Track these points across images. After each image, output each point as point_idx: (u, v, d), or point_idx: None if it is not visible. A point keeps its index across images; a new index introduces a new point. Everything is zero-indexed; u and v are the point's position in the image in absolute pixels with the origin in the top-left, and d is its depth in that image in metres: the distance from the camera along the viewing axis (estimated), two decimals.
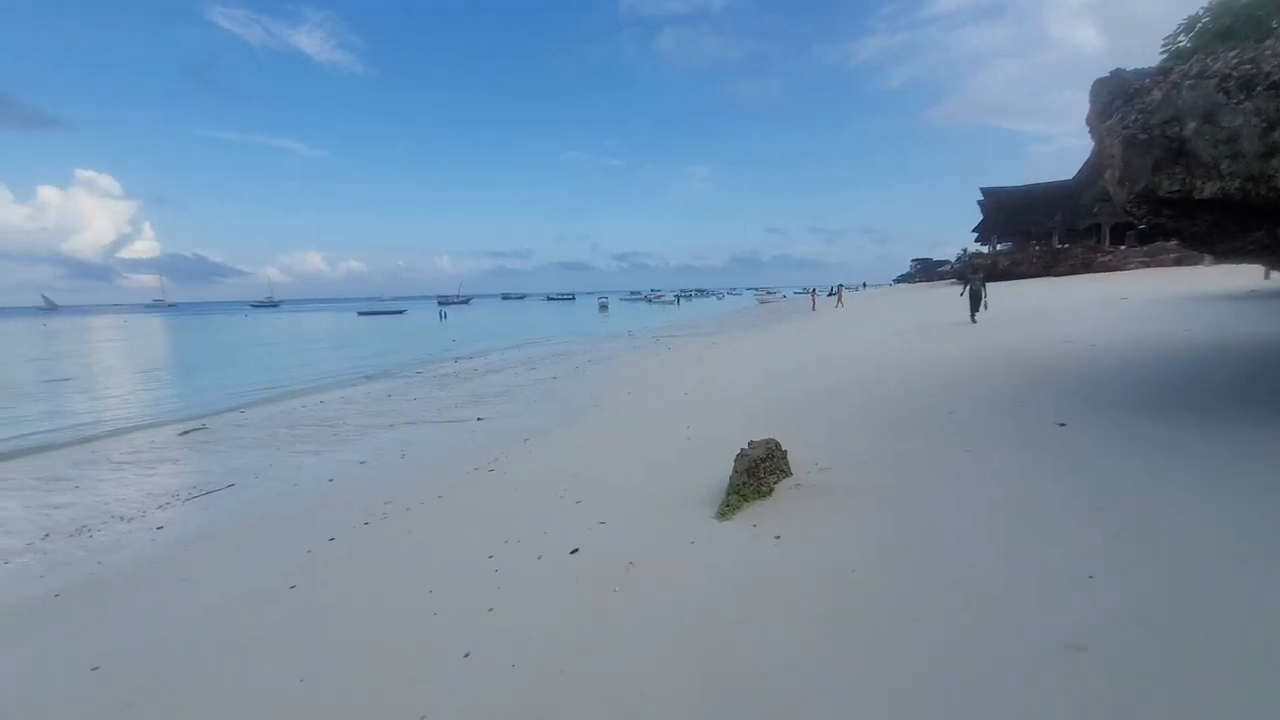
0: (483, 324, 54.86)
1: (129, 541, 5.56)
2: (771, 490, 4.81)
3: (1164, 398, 6.75)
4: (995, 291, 21.06)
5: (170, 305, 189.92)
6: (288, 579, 4.20)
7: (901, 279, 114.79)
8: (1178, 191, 5.38)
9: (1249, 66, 4.90)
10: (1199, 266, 30.08)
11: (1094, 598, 2.96)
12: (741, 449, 5.02)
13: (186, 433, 11.69)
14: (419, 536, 4.80)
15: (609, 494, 5.28)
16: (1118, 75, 6.32)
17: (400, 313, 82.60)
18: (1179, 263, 34.47)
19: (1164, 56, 8.05)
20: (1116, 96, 6.09)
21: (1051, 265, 42.99)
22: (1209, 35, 7.65)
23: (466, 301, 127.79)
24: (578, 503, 5.12)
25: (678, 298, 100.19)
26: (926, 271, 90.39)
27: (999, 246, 57.62)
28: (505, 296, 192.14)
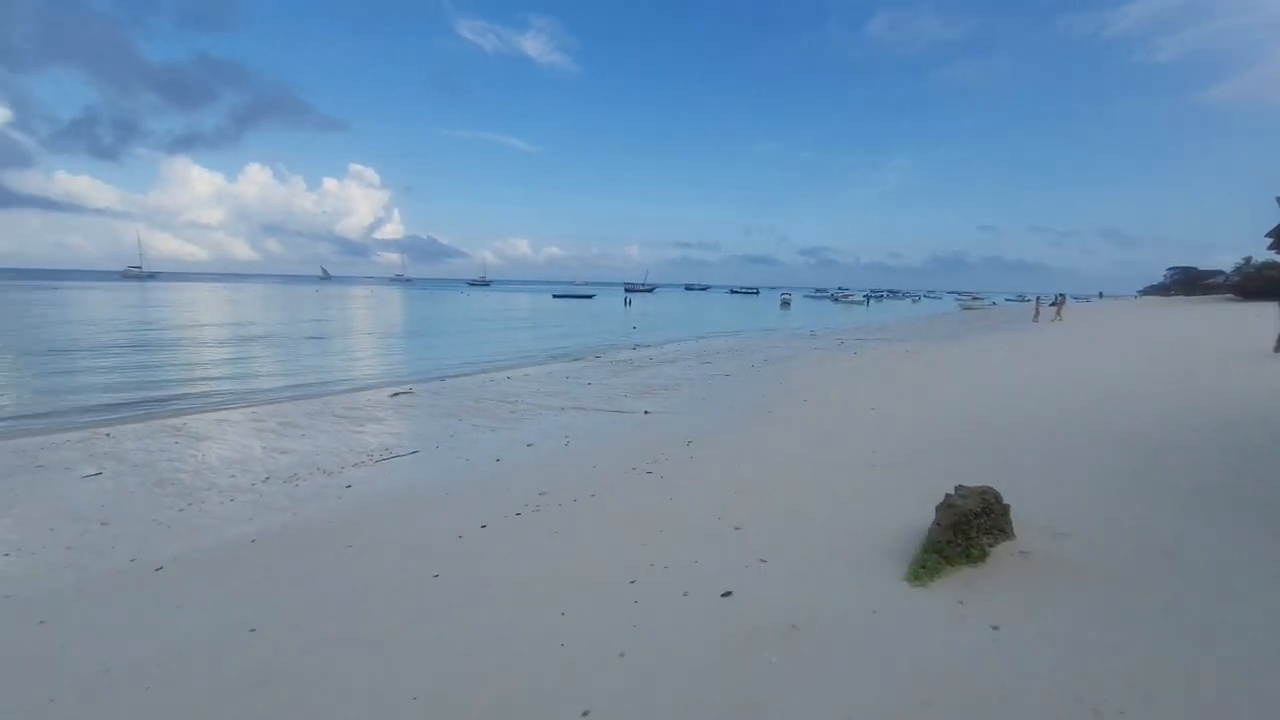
0: (664, 313, 55.96)
1: (323, 495, 6.09)
2: (986, 554, 3.74)
3: None
4: None
5: (407, 280, 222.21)
6: (434, 565, 4.14)
7: (1151, 290, 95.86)
8: None
9: None
10: None
11: None
12: (947, 494, 3.99)
13: (396, 395, 13.09)
14: (564, 540, 4.51)
15: (772, 522, 4.56)
16: None
17: (590, 297, 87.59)
18: None
19: None
20: None
21: None
22: None
23: (651, 290, 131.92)
24: (736, 529, 4.48)
25: (867, 298, 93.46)
26: (1188, 283, 74.35)
27: None
28: (688, 287, 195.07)
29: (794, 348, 22.34)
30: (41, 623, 3.66)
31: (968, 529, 3.76)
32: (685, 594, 3.53)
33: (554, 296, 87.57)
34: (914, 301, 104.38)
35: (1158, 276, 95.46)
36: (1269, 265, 44.97)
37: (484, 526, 4.85)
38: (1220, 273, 69.42)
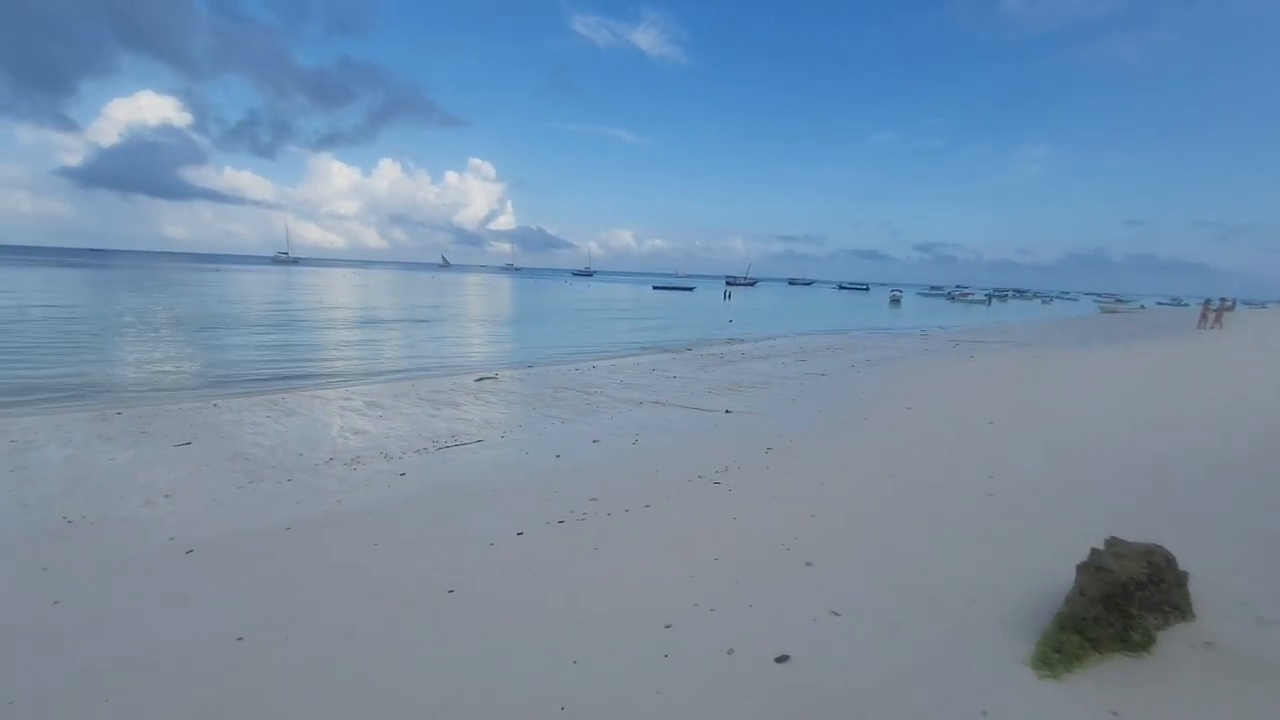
0: (764, 307, 54.22)
1: (374, 482, 5.89)
2: (1152, 641, 2.73)
3: None
4: None
5: (517, 269, 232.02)
6: (452, 578, 3.69)
7: None
8: None
9: None
10: None
11: None
12: (1094, 550, 2.99)
13: (481, 379, 13.15)
14: (602, 560, 3.92)
15: (854, 559, 3.72)
16: None
17: (690, 289, 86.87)
18: None
19: None
20: None
21: None
22: None
23: (753, 284, 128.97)
24: (808, 565, 3.68)
25: (989, 297, 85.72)
26: None
27: None
28: (791, 281, 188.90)
29: (901, 348, 20.50)
30: (56, 603, 3.57)
31: (1126, 603, 2.76)
32: (730, 651, 2.81)
33: (654, 288, 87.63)
34: (1044, 302, 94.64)
35: None
36: None
37: (520, 534, 4.36)
38: None
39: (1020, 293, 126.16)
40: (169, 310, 27.98)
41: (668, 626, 3.05)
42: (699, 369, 14.97)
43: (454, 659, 2.86)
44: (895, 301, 66.16)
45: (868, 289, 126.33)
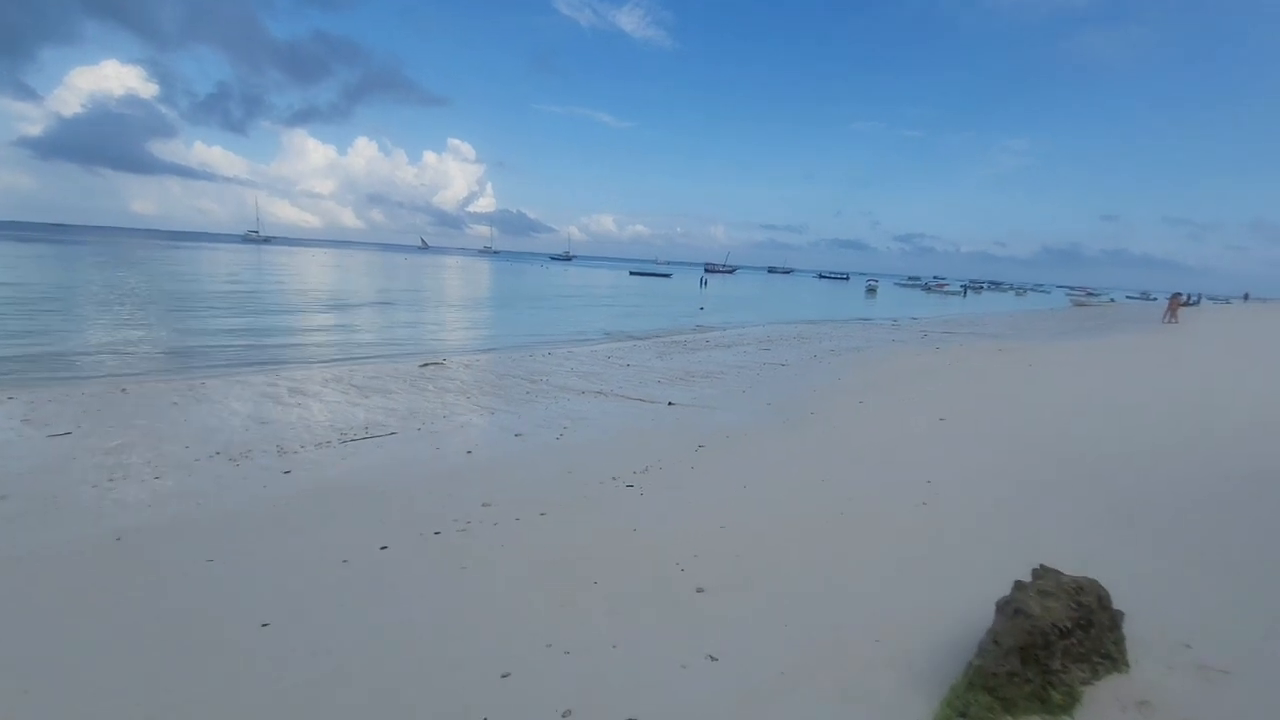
0: (740, 295, 53.79)
1: (251, 482, 5.24)
2: (1076, 701, 2.26)
3: None
4: None
5: (495, 253, 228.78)
6: (274, 607, 3.10)
7: None
8: None
9: None
10: None
11: None
12: (1017, 586, 2.52)
13: (426, 365, 12.47)
14: (466, 583, 3.36)
15: (750, 586, 3.22)
16: None
17: (667, 276, 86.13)
18: None
19: None
20: None
21: None
22: None
23: (731, 271, 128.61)
24: (698, 591, 3.17)
25: (965, 289, 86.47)
26: None
27: None
28: (771, 270, 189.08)
29: (869, 338, 20.19)
30: None
31: (1046, 655, 2.27)
32: (566, 714, 2.28)
33: (631, 273, 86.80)
34: (1018, 294, 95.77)
35: None
36: None
37: (384, 548, 3.78)
38: None
39: (995, 285, 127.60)
40: (116, 287, 26.66)
41: (505, 676, 2.51)
42: (656, 357, 14.44)
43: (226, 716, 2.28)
44: (871, 291, 66.29)
45: (848, 278, 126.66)
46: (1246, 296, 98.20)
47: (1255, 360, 14.01)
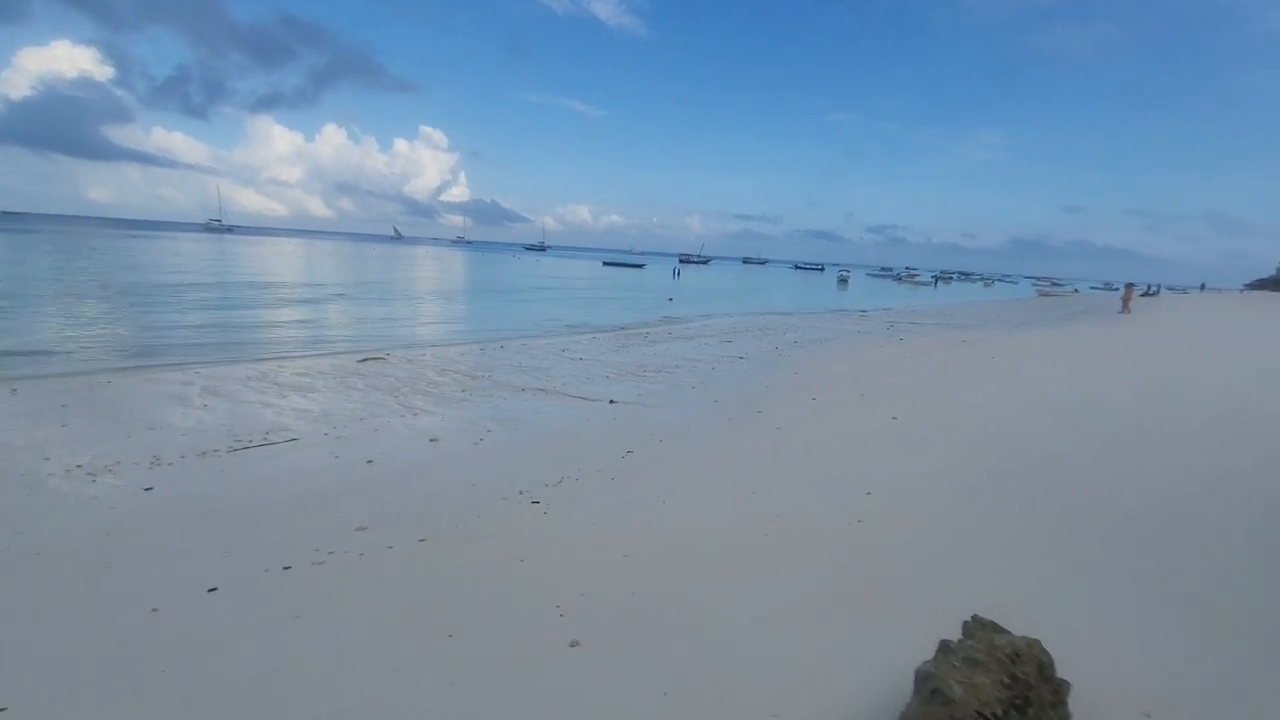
0: (713, 286, 53.43)
1: (101, 501, 4.52)
2: None
3: None
4: None
5: (468, 243, 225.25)
6: (24, 680, 2.46)
7: (1259, 284, 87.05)
8: None
9: None
10: None
11: None
12: (941, 649, 2.01)
13: (365, 360, 11.72)
14: (293, 639, 2.74)
15: (632, 639, 2.67)
16: None
17: (640, 266, 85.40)
18: None
19: None
20: None
21: None
22: None
23: (706, 262, 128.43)
24: (572, 646, 2.61)
25: (935, 279, 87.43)
26: None
27: None
28: (746, 260, 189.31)
29: (835, 329, 19.86)
30: None
31: None
32: None
33: (604, 264, 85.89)
34: (986, 285, 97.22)
35: (1269, 268, 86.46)
36: None
37: (212, 590, 3.14)
38: None
39: (965, 275, 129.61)
40: (53, 278, 25.16)
41: None
42: (613, 350, 13.86)
43: None
44: (843, 282, 66.49)
45: (823, 269, 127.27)
46: (1203, 287, 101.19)
47: (1210, 351, 13.94)
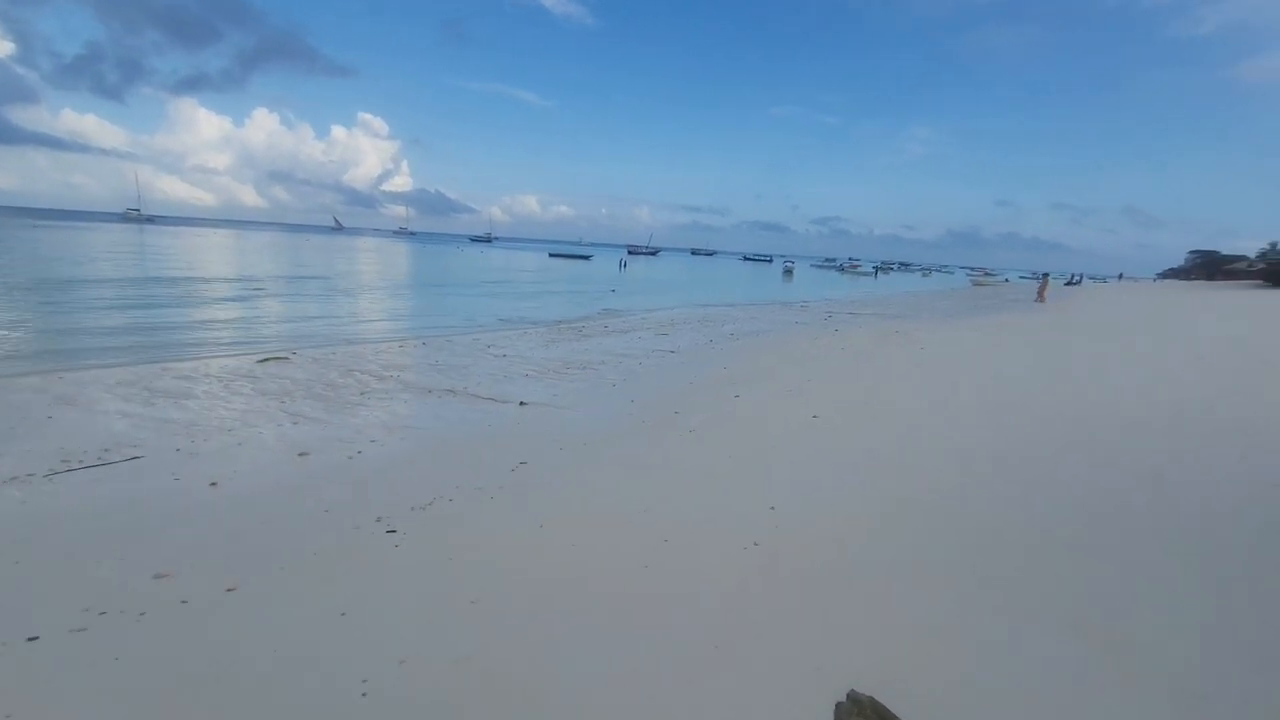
0: (659, 278, 53.08)
1: None
2: None
3: None
4: None
5: (411, 234, 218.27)
6: None
7: (1170, 273, 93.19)
8: None
9: None
10: None
11: None
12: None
13: (265, 361, 10.72)
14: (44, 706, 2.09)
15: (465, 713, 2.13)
16: None
17: (587, 258, 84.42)
18: None
19: None
20: None
21: None
22: None
23: (654, 253, 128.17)
24: None
25: (876, 270, 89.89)
26: (1209, 267, 72.13)
27: None
28: (694, 252, 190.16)
29: (774, 321, 19.73)
30: None
31: None
32: None
33: (550, 255, 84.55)
34: (924, 275, 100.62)
35: (1179, 259, 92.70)
36: None
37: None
38: (1244, 258, 66.31)
39: (905, 266, 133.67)
40: None
41: None
42: (542, 345, 13.22)
43: None
44: (788, 273, 67.37)
45: (771, 260, 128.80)
46: (1120, 276, 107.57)
47: (1121, 341, 14.35)
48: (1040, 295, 30.66)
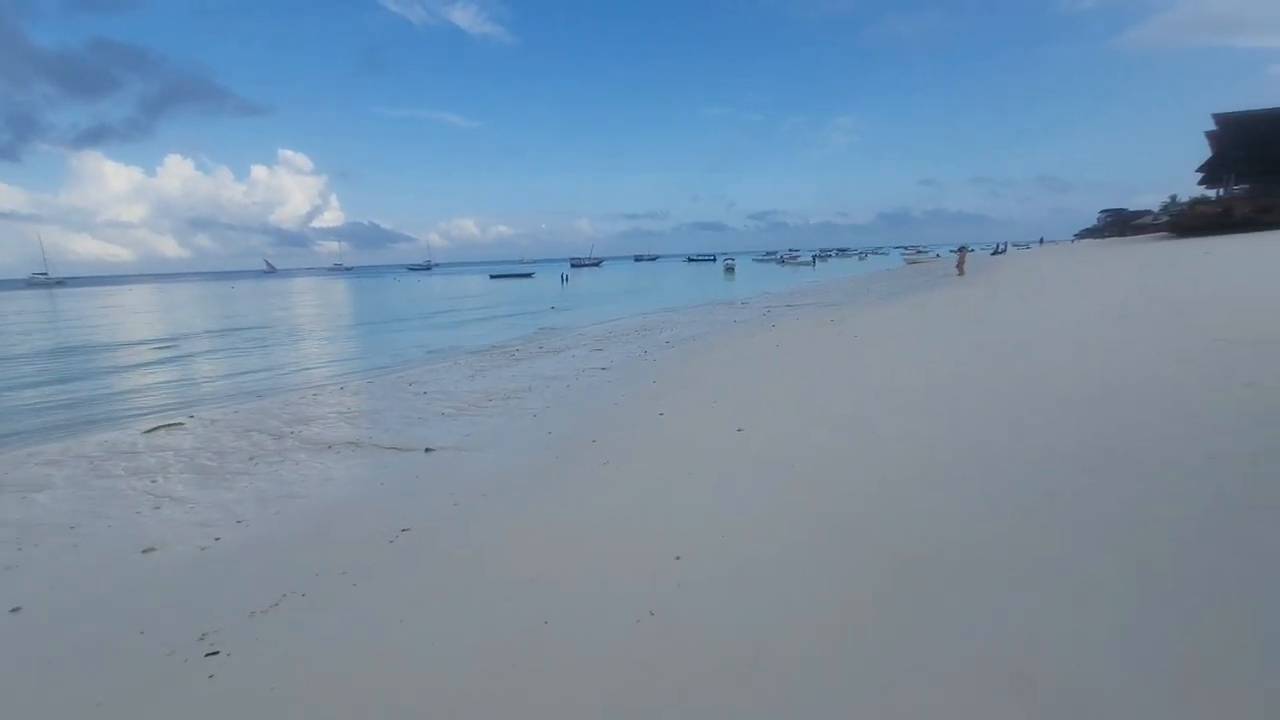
0: (603, 288, 52.59)
1: None
2: None
3: None
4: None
5: (347, 269, 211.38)
6: None
7: (1086, 233, 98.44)
8: None
9: None
10: None
11: None
12: None
13: (153, 430, 9.64)
14: None
15: None
16: None
17: (529, 275, 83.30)
18: None
19: None
20: None
21: None
22: None
23: (598, 264, 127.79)
24: None
25: (814, 258, 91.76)
26: (1120, 224, 76.59)
27: (1235, 189, 43.77)
28: (638, 258, 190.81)
29: (712, 323, 19.43)
30: None
31: None
32: None
33: (491, 277, 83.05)
34: (860, 258, 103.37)
35: (1092, 219, 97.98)
36: (1201, 201, 44.15)
37: None
38: (1149, 212, 70.40)
39: (842, 251, 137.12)
40: None
41: None
42: (468, 377, 12.46)
43: None
44: (729, 270, 67.80)
45: (714, 259, 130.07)
46: (1041, 240, 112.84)
47: (1041, 312, 14.55)
48: (959, 268, 31.37)
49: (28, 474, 7.64)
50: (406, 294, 58.23)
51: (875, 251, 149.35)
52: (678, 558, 3.41)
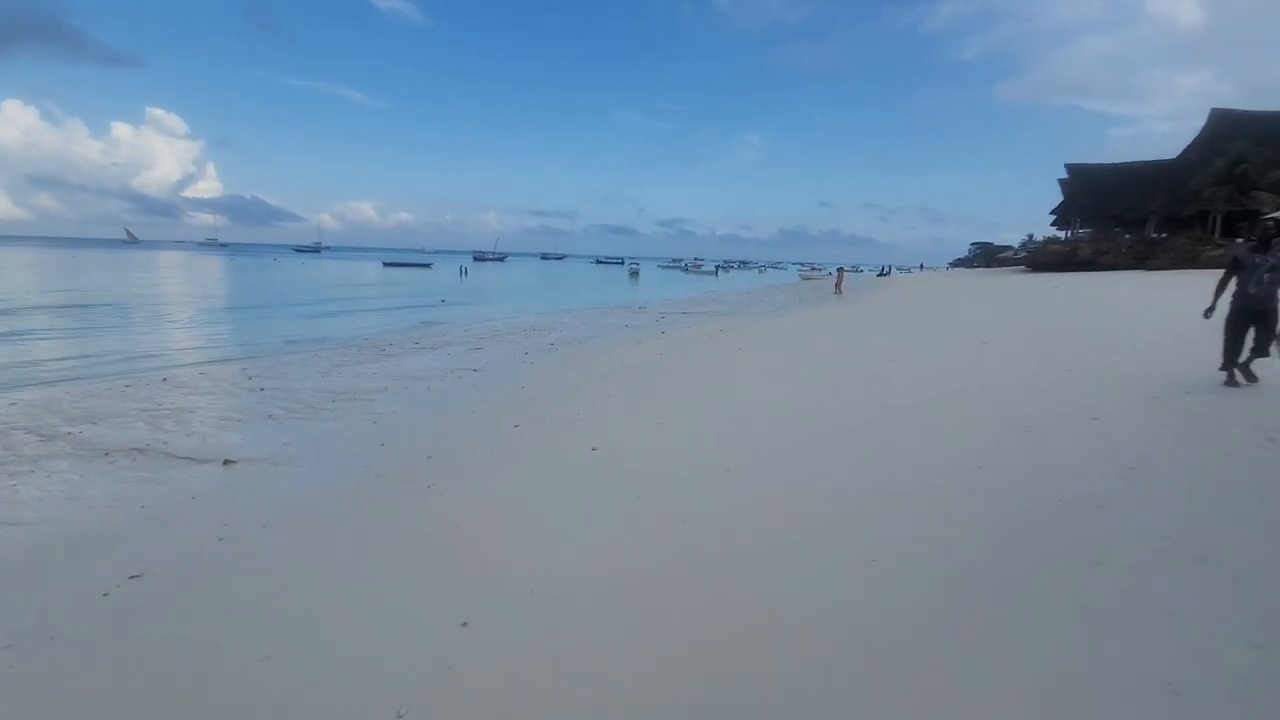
0: (504, 285, 50.83)
1: None
2: None
3: None
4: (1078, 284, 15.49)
5: (222, 245, 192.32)
6: None
7: (959, 263, 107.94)
8: None
9: None
10: None
11: None
12: None
13: None
14: None
15: None
16: None
17: (426, 266, 79.29)
18: None
19: None
20: None
21: (1145, 257, 35.75)
22: None
23: (502, 259, 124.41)
24: None
25: (717, 269, 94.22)
26: (986, 256, 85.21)
27: (1080, 232, 49.81)
28: (544, 256, 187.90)
29: (605, 326, 18.90)
30: None
31: None
32: None
33: (385, 265, 78.28)
34: (760, 271, 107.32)
35: (962, 250, 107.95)
36: (1052, 241, 49.96)
37: None
38: (1010, 247, 78.45)
39: (744, 264, 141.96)
40: None
41: None
42: (321, 372, 11.10)
43: None
44: (634, 275, 67.95)
45: (623, 263, 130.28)
46: (921, 266, 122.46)
47: (913, 335, 15.23)
48: (837, 288, 32.88)
49: None
50: (288, 275, 53.57)
51: (775, 266, 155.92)
52: (464, 624, 2.73)
